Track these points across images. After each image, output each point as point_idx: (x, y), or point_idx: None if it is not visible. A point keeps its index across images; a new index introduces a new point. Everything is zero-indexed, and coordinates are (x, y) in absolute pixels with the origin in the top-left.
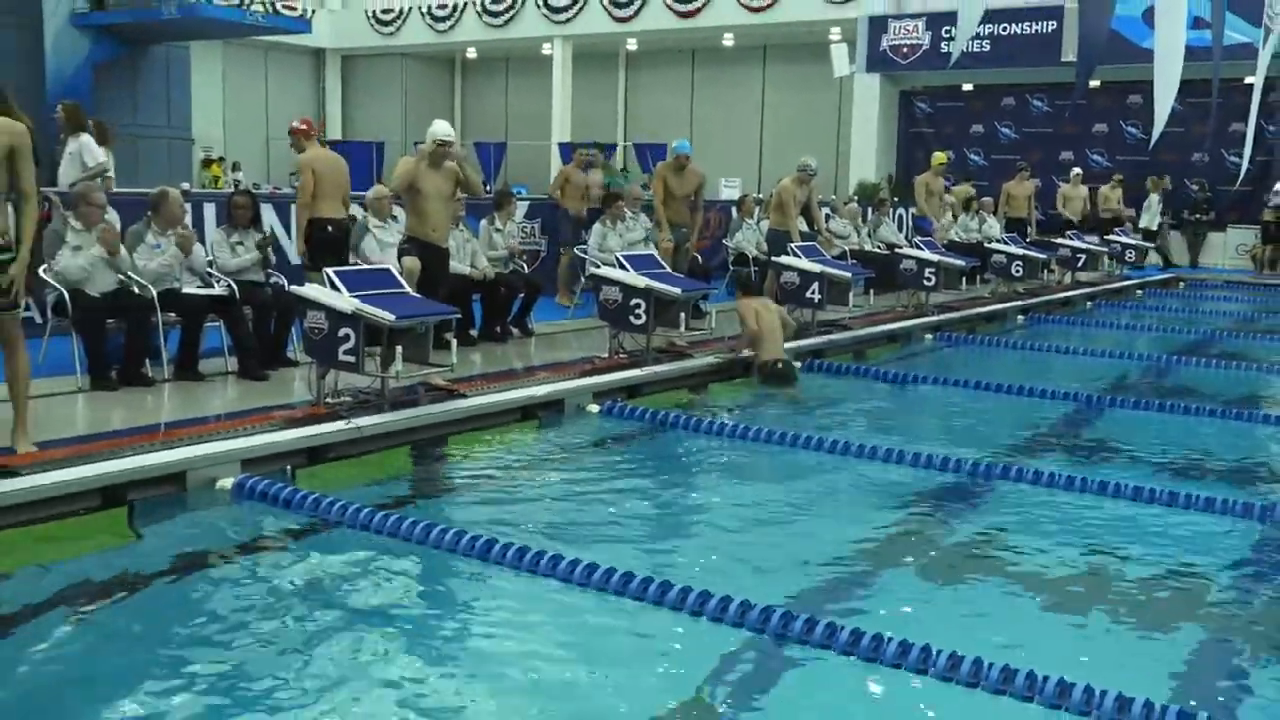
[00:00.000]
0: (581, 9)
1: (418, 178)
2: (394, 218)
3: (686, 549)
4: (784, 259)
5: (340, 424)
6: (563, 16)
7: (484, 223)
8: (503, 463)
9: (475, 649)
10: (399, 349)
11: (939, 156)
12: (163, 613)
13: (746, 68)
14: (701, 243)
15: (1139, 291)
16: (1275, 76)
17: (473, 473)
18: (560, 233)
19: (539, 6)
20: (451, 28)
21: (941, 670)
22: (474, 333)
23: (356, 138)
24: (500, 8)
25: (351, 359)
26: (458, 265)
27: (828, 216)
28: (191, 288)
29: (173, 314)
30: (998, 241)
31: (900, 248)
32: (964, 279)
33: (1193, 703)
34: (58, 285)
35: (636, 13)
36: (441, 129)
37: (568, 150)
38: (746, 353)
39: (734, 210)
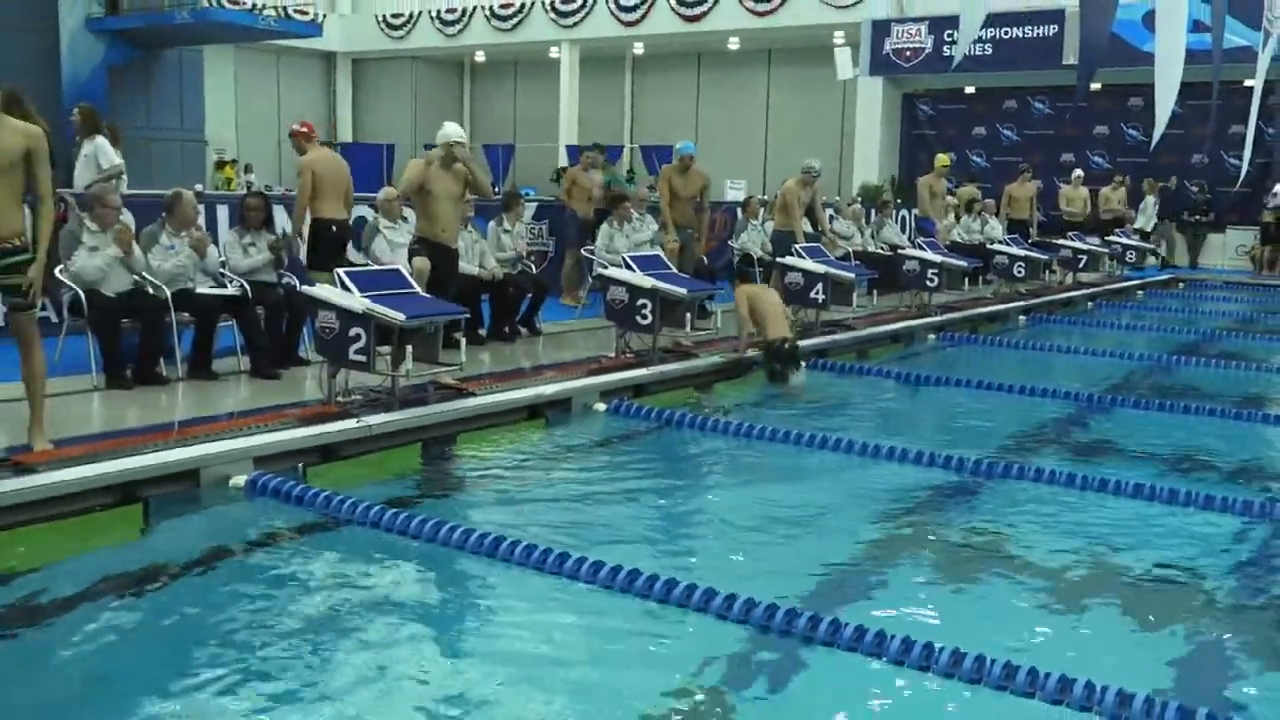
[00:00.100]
0: (589, 13)
1: (428, 179)
2: (404, 219)
3: (691, 546)
4: (788, 260)
5: (351, 422)
6: (570, 20)
7: (492, 224)
8: (511, 461)
9: (482, 645)
10: (409, 348)
11: (942, 159)
12: (176, 609)
13: (751, 71)
14: (708, 244)
15: (1140, 292)
16: (1275, 79)
17: (481, 470)
18: (566, 234)
19: (547, 11)
20: (460, 32)
21: (944, 667)
22: (483, 332)
23: (367, 140)
24: (508, 12)
25: (362, 358)
26: (467, 266)
27: (831, 218)
28: (205, 288)
29: (186, 314)
30: (999, 242)
31: (903, 249)
32: (966, 280)
33: (1193, 699)
34: (73, 285)
35: (643, 17)
36: (453, 130)
37: (575, 152)
38: (751, 352)
39: (739, 211)
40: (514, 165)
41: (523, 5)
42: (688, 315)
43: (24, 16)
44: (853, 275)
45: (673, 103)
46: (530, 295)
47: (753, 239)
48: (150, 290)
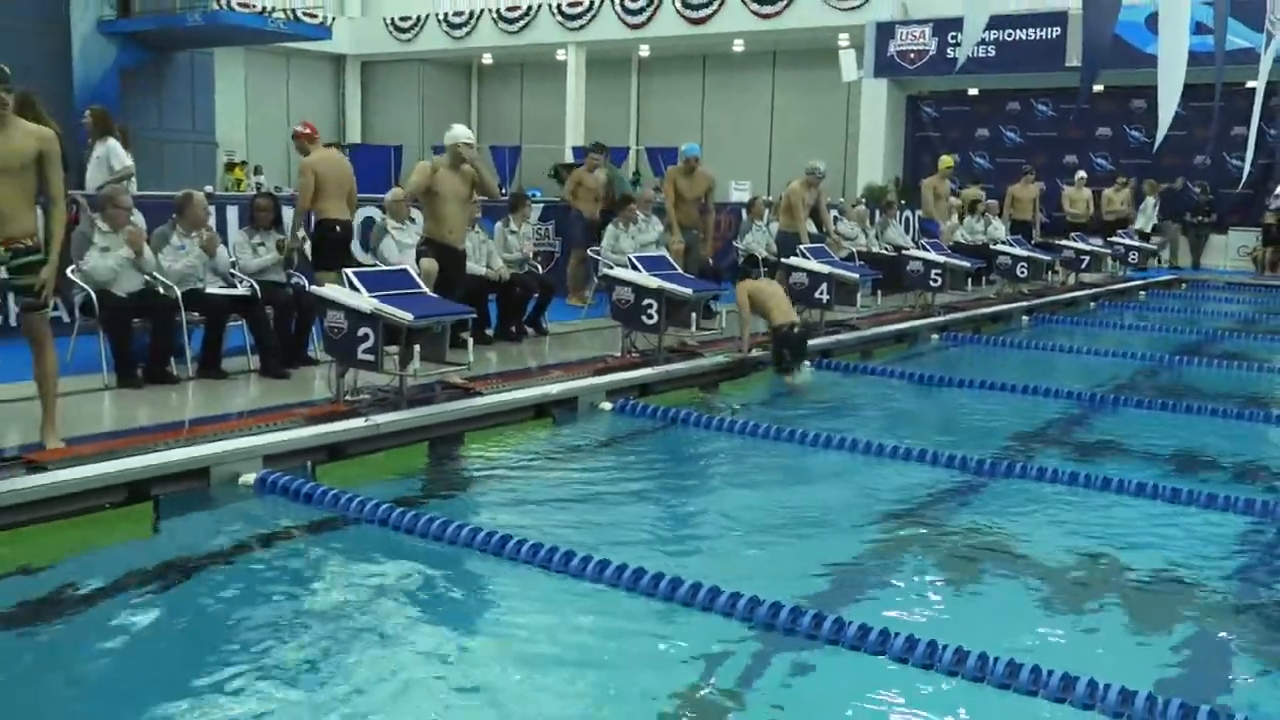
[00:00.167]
0: (595, 16)
1: (435, 182)
2: (412, 220)
3: (696, 545)
4: (793, 260)
5: (359, 421)
6: (576, 23)
7: (499, 225)
8: (517, 459)
9: (490, 643)
10: (417, 348)
11: (945, 160)
12: (187, 605)
13: (756, 73)
14: (715, 244)
15: (1142, 293)
16: (1277, 81)
17: (488, 469)
18: (572, 234)
19: (553, 13)
20: (468, 34)
21: (948, 665)
22: (490, 332)
23: (375, 142)
24: (515, 14)
25: (370, 358)
26: (474, 266)
27: (836, 219)
28: (215, 288)
29: (196, 313)
30: (1003, 243)
31: (907, 249)
32: (970, 280)
33: (1195, 698)
34: (85, 285)
35: (649, 19)
36: (460, 132)
37: (581, 154)
38: (755, 352)
39: (744, 212)
40: (520, 166)
41: (529, 8)
42: (693, 315)
43: (36, 19)
44: (857, 276)
45: (678, 105)
46: (537, 295)
47: (758, 240)
48: (161, 290)
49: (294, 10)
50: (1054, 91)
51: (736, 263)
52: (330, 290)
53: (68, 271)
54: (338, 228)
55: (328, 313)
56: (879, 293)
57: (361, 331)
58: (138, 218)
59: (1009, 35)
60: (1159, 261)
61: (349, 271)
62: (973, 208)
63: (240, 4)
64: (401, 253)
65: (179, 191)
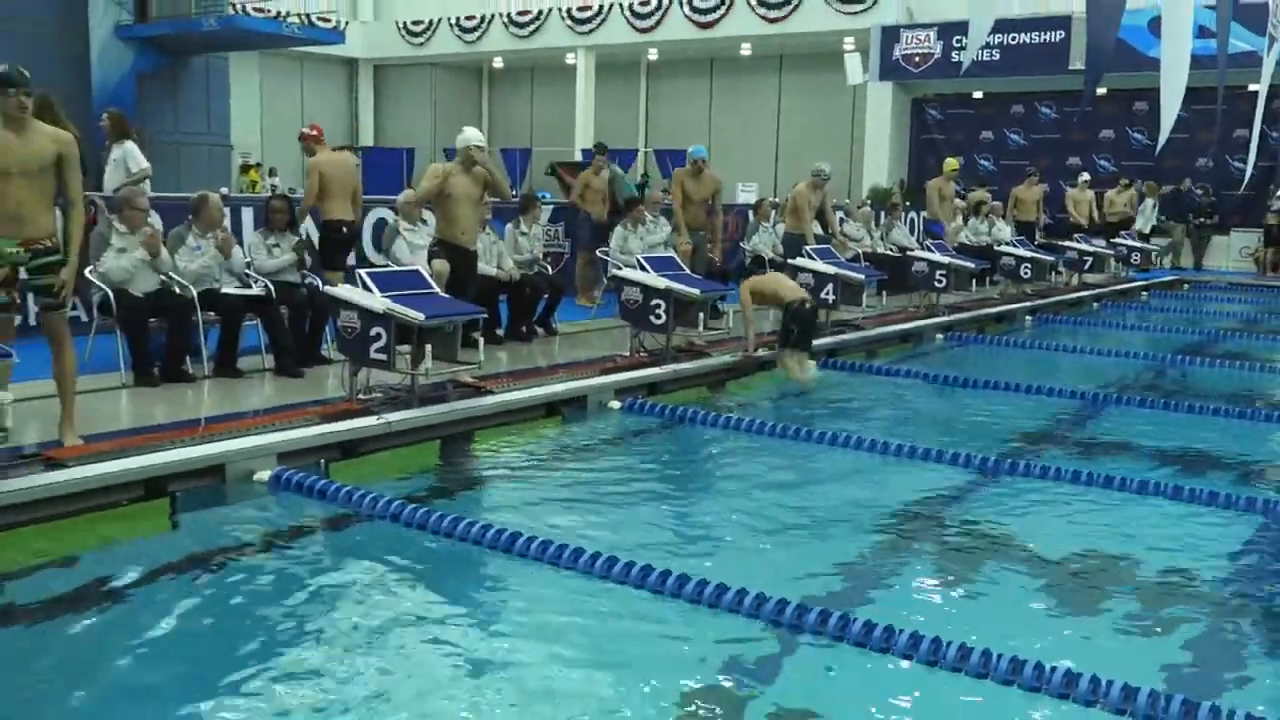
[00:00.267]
0: (604, 20)
1: (447, 183)
2: (424, 221)
3: (704, 542)
4: (799, 261)
5: (372, 419)
6: (586, 27)
7: (510, 226)
8: (527, 457)
9: (498, 639)
10: (428, 347)
11: (950, 163)
12: (202, 599)
13: (763, 76)
14: (724, 245)
15: (1144, 293)
16: (1278, 84)
17: (498, 467)
18: (580, 235)
19: (563, 18)
20: (479, 38)
21: (951, 661)
22: (500, 332)
23: (388, 144)
24: (526, 19)
25: (383, 357)
26: (485, 267)
27: (842, 220)
28: (230, 288)
29: (212, 313)
30: (1007, 244)
31: (912, 250)
32: (974, 281)
33: (1197, 694)
34: (103, 285)
35: (657, 23)
36: (472, 135)
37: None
38: (762, 351)
39: (751, 214)
40: (531, 169)
41: (540, 12)
42: (700, 315)
43: (55, 24)
44: (862, 276)
45: (686, 107)
46: (547, 296)
47: (764, 241)
48: (177, 290)
49: (308, 15)
50: (1057, 94)
51: (743, 263)
52: (344, 290)
53: (86, 272)
54: (343, 228)
55: (341, 312)
56: (884, 293)
57: (374, 331)
58: (154, 219)
59: (1013, 39)
60: (1161, 263)
61: (362, 272)
62: (977, 209)
63: (255, 9)
64: (413, 254)
65: (195, 193)
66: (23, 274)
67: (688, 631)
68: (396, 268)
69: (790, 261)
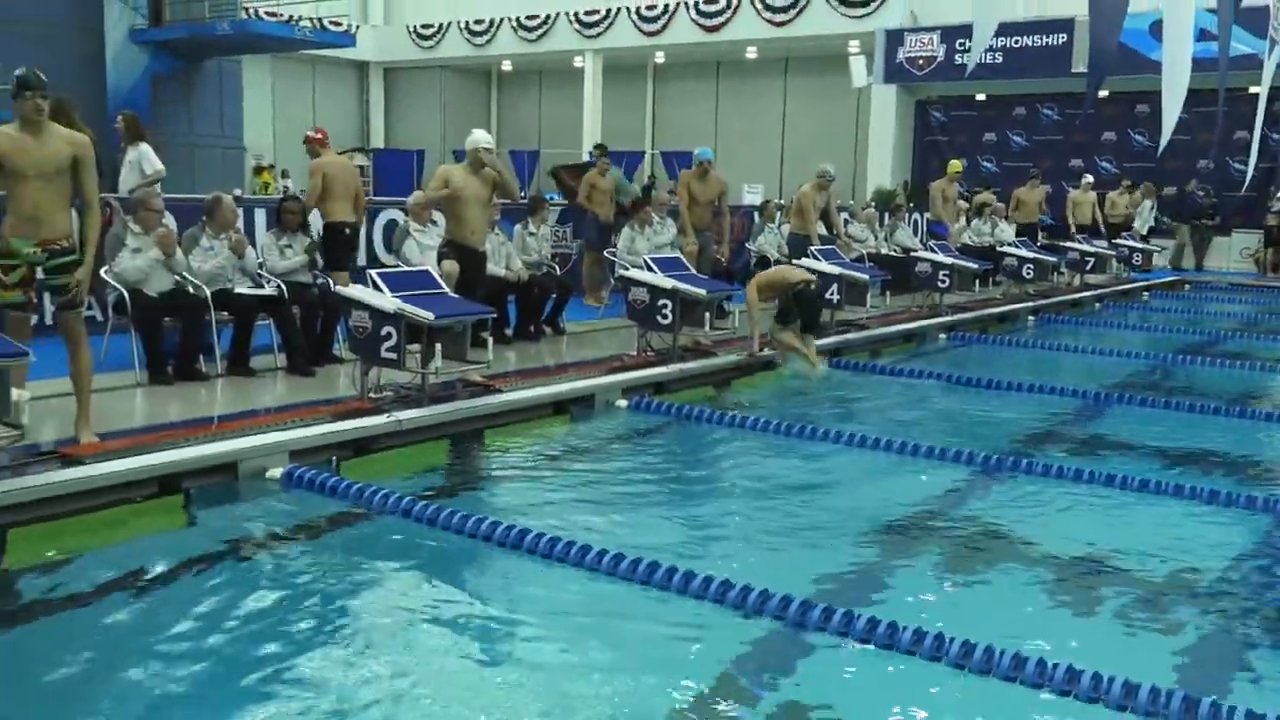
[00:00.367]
0: (611, 24)
1: (456, 185)
2: (434, 222)
3: (710, 539)
4: (804, 261)
5: (383, 417)
6: (594, 31)
7: (518, 227)
8: (535, 455)
9: (506, 634)
10: (438, 346)
11: (954, 165)
12: (215, 594)
13: (768, 79)
14: (731, 246)
15: (1146, 294)
16: (1279, 86)
17: (507, 464)
18: (586, 236)
19: (571, 21)
20: (488, 42)
21: (955, 657)
22: (509, 331)
23: (398, 146)
24: (534, 23)
25: (393, 356)
26: (494, 267)
27: (846, 221)
28: (243, 288)
29: (225, 313)
30: (1009, 245)
31: (915, 251)
32: (977, 281)
33: (1197, 688)
34: (118, 285)
35: (664, 27)
36: (481, 137)
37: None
38: (768, 351)
39: (756, 215)
40: (539, 171)
41: (548, 16)
42: (707, 315)
43: (71, 28)
44: (866, 277)
45: (693, 110)
46: (555, 296)
47: (769, 241)
48: (191, 290)
49: (320, 19)
50: (1060, 96)
51: (749, 264)
52: (355, 290)
53: (101, 272)
54: (345, 230)
55: (352, 312)
56: (888, 293)
57: (385, 330)
58: (169, 220)
59: (1016, 42)
60: (1168, 262)
61: (373, 272)
62: (980, 210)
63: (268, 13)
64: (423, 254)
65: (208, 194)
66: (40, 274)
67: (692, 628)
68: (407, 268)
69: (795, 262)
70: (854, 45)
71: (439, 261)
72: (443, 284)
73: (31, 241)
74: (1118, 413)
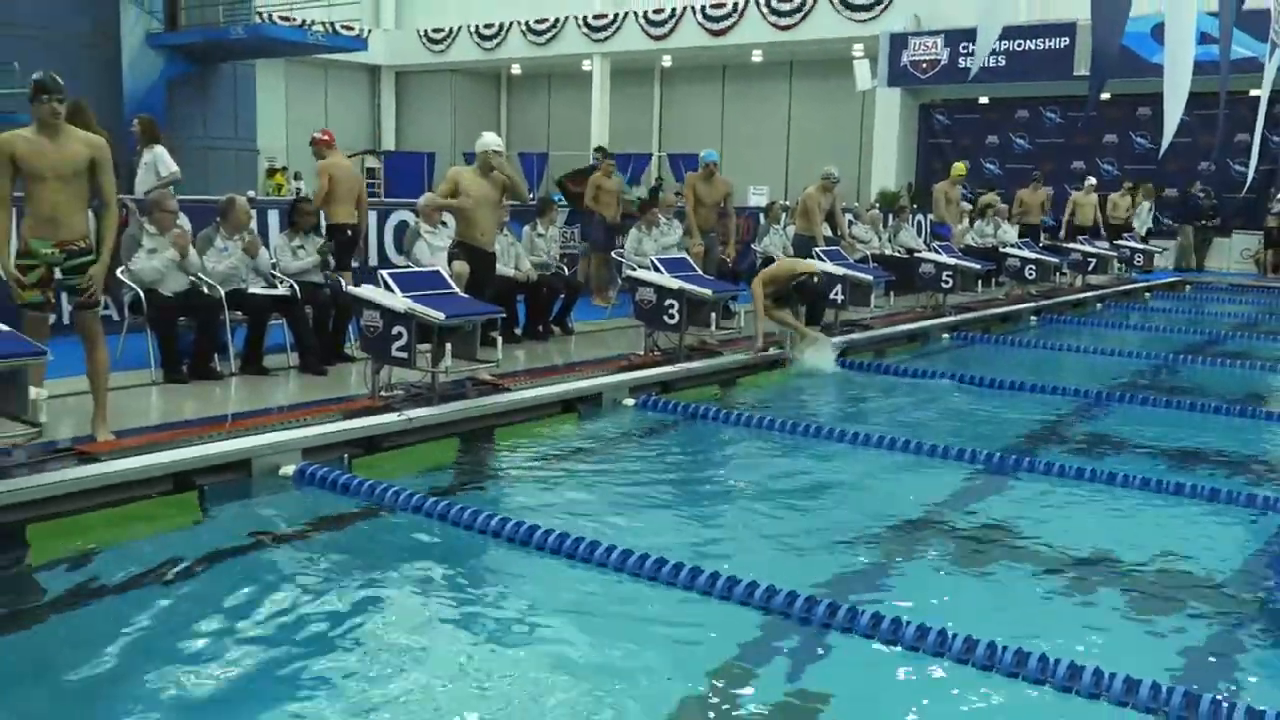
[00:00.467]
0: (619, 28)
1: (466, 186)
2: (444, 223)
3: (716, 535)
4: (809, 262)
5: (393, 416)
6: (602, 35)
7: (527, 228)
8: (544, 452)
9: (515, 629)
10: (448, 346)
11: (958, 168)
12: (230, 590)
13: (774, 82)
14: (736, 247)
15: (1147, 294)
16: None
17: (516, 461)
18: (593, 238)
19: (579, 26)
20: (498, 46)
21: (957, 653)
22: (518, 331)
23: (409, 149)
24: (543, 27)
25: (404, 355)
26: (503, 268)
27: (851, 222)
28: (256, 288)
29: (239, 313)
30: (1012, 246)
31: (919, 252)
32: (979, 282)
33: (1198, 685)
34: (133, 285)
35: (671, 31)
36: (490, 140)
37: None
38: (774, 350)
39: (762, 216)
40: (548, 172)
41: (557, 20)
42: (712, 315)
43: (88, 33)
44: (871, 277)
45: (699, 113)
46: (563, 296)
47: (775, 243)
48: (205, 290)
49: (332, 23)
50: (1062, 99)
51: (755, 265)
52: (366, 290)
53: (117, 272)
54: (348, 231)
55: (364, 312)
56: (892, 294)
57: (396, 330)
58: (183, 221)
59: (1019, 45)
60: (1168, 264)
61: (384, 272)
62: (983, 212)
63: (281, 17)
64: (434, 255)
65: (223, 196)
66: (58, 274)
67: (699, 622)
68: (417, 269)
69: None
70: (858, 49)
71: (449, 262)
72: (453, 284)
73: (49, 242)
74: (1119, 412)
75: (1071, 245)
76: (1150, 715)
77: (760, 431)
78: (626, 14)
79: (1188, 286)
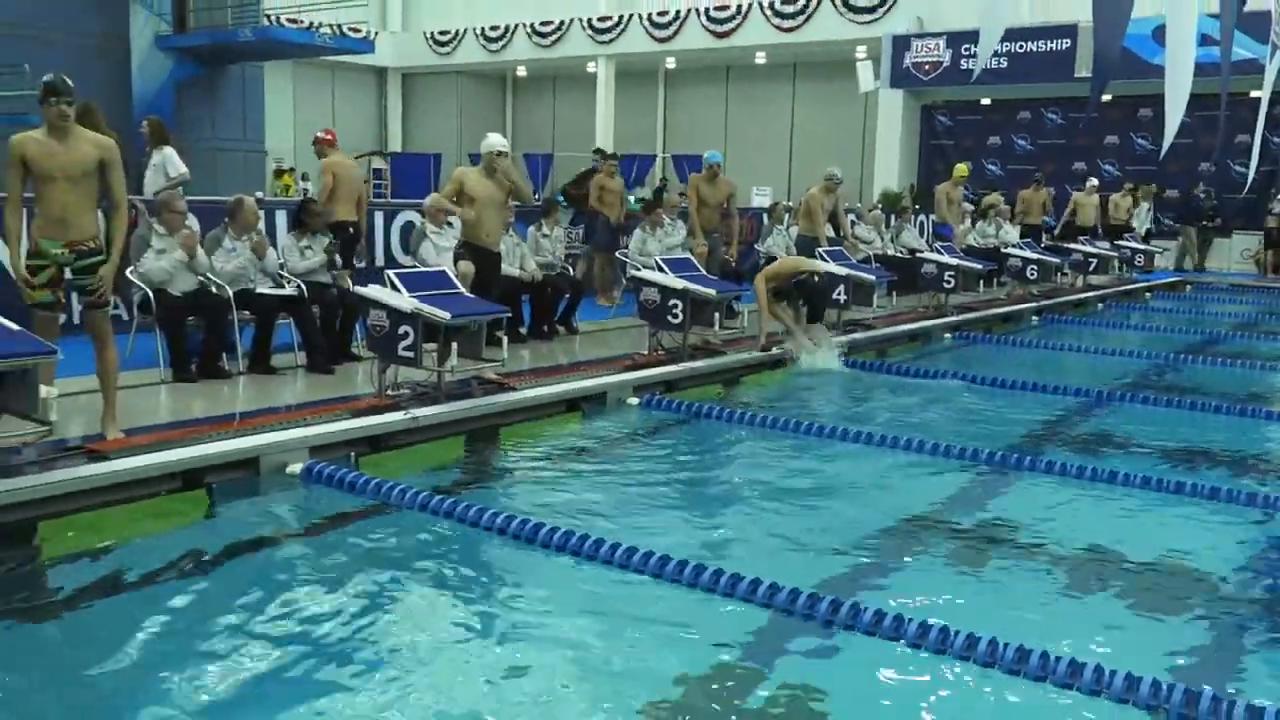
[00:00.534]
0: (624, 30)
1: (471, 187)
2: (449, 224)
3: (719, 533)
4: (812, 262)
5: (400, 414)
6: (606, 37)
7: (532, 229)
8: (548, 451)
9: (519, 626)
10: (454, 345)
11: (960, 169)
12: (238, 586)
13: (777, 84)
14: (739, 247)
15: (1148, 294)
16: None
17: (521, 460)
18: (597, 238)
19: (584, 28)
20: (503, 48)
21: (959, 650)
22: (523, 330)
23: (415, 150)
24: (548, 29)
25: (410, 354)
26: (508, 268)
27: (853, 223)
28: (264, 288)
29: (247, 312)
30: (1013, 246)
31: (921, 252)
32: (981, 282)
33: (1198, 682)
34: (143, 285)
35: (675, 33)
36: (496, 141)
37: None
38: (777, 350)
39: (765, 217)
40: (553, 173)
41: (562, 23)
42: (716, 315)
43: (98, 35)
44: (873, 277)
45: (703, 114)
46: (568, 296)
47: (778, 243)
48: (214, 290)
49: (339, 25)
50: (1064, 101)
51: (758, 265)
52: (373, 290)
53: (127, 272)
54: (350, 229)
55: (370, 312)
56: (894, 294)
57: (402, 330)
58: (192, 221)
59: (1020, 47)
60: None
61: (391, 272)
62: (985, 212)
63: (289, 20)
64: (440, 255)
65: (231, 197)
66: (68, 274)
67: (702, 619)
68: (424, 268)
69: None
70: (861, 50)
71: (455, 262)
72: (459, 284)
73: (59, 242)
74: (1120, 411)
75: (1072, 245)
76: (1151, 712)
77: (763, 430)
78: (631, 16)
79: (1188, 287)
